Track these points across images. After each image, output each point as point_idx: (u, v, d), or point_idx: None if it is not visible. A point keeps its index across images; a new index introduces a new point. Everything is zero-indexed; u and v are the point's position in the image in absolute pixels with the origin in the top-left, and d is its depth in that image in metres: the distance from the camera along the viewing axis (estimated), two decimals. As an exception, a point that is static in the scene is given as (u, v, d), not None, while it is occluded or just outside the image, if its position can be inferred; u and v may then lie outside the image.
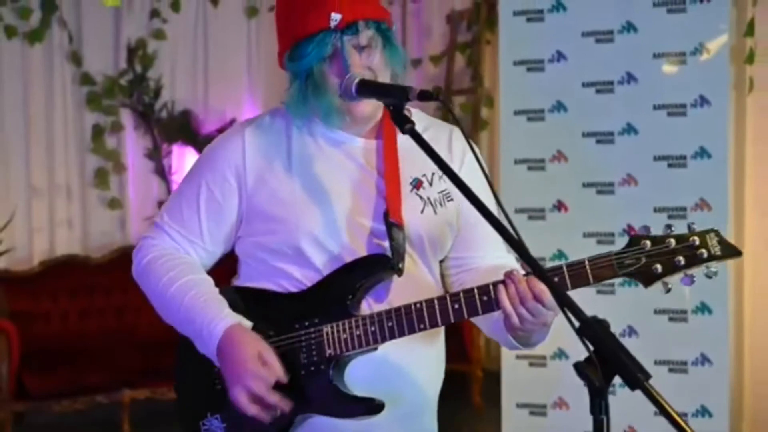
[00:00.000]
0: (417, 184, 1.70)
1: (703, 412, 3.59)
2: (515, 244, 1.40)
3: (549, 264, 3.71)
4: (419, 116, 1.75)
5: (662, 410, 1.17)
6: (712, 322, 3.58)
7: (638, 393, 3.64)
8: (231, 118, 5.81)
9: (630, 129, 3.65)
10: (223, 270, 1.83)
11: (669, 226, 1.55)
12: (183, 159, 5.76)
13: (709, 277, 1.55)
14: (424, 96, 1.50)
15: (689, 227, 1.55)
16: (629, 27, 3.64)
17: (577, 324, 1.28)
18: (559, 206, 3.74)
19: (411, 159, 1.67)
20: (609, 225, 3.64)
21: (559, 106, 3.73)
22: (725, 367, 3.60)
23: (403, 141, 1.67)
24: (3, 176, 5.37)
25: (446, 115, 1.87)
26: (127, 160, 5.69)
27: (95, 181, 5.59)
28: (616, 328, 3.78)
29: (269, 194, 1.68)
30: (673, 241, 1.53)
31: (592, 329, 1.25)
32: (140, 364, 4.75)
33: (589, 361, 1.24)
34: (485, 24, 5.72)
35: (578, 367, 1.25)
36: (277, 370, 1.59)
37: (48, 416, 4.78)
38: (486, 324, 1.70)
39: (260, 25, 5.90)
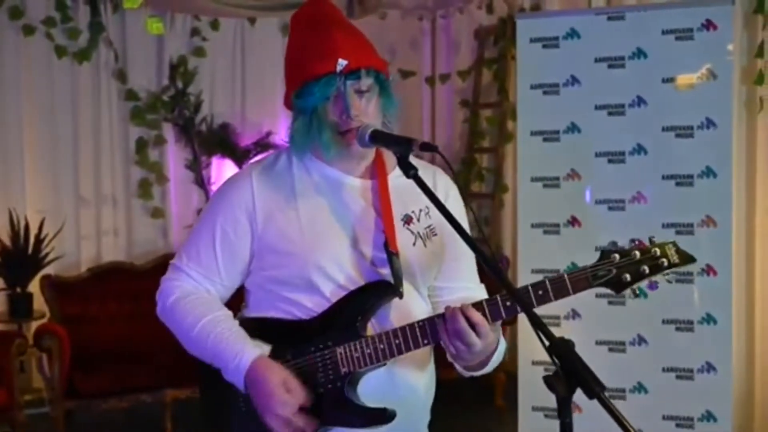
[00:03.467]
0: (407, 220, 1.90)
1: (709, 416, 3.77)
2: (496, 272, 1.62)
3: (563, 276, 3.92)
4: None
5: (614, 417, 1.40)
6: (716, 331, 3.75)
7: (649, 399, 3.87)
8: (267, 130, 6.03)
9: (640, 149, 3.83)
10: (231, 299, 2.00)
11: (633, 240, 1.79)
12: (221, 170, 5.98)
13: (669, 282, 1.78)
14: (425, 147, 1.73)
15: (650, 240, 1.78)
16: (639, 53, 3.82)
17: (547, 343, 1.51)
18: (573, 221, 3.94)
19: (400, 197, 1.89)
20: (619, 240, 3.79)
21: (573, 128, 3.92)
22: (729, 374, 3.77)
23: (393, 181, 1.90)
24: (54, 187, 5.62)
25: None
26: (169, 172, 5.91)
27: (139, 192, 5.83)
28: (626, 337, 4.00)
29: (278, 231, 1.85)
30: (637, 253, 1.76)
31: (559, 348, 1.48)
32: (181, 365, 4.90)
33: (556, 374, 1.47)
34: (511, 40, 5.90)
35: (547, 379, 1.48)
36: (300, 396, 1.79)
37: (96, 414, 4.98)
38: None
39: (295, 42, 6.12)
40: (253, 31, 6.13)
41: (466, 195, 1.48)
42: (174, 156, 5.97)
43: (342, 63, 1.78)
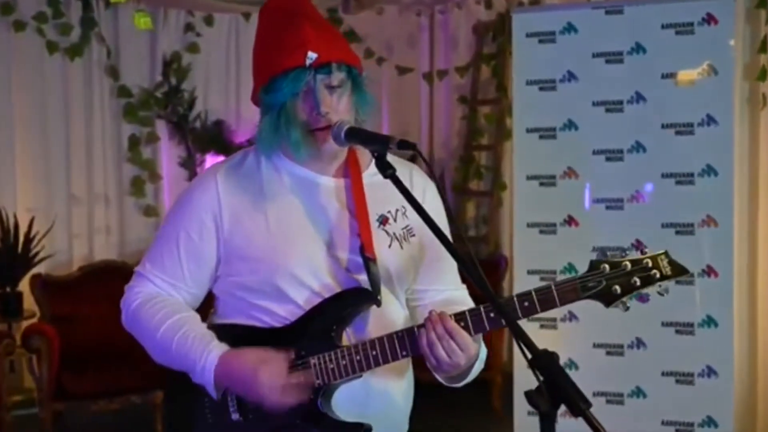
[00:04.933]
0: (383, 221, 1.79)
1: (709, 422, 3.68)
2: (478, 281, 1.51)
3: (560, 277, 3.83)
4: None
5: (600, 436, 1.31)
6: (717, 335, 3.67)
7: (647, 402, 3.78)
8: (262, 127, 5.97)
9: (639, 147, 3.75)
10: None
11: (624, 250, 1.69)
12: (216, 168, 5.93)
13: (661, 294, 1.68)
14: (402, 145, 1.62)
15: (642, 251, 1.69)
16: (638, 48, 3.74)
17: (529, 356, 1.41)
18: (570, 221, 3.85)
19: (376, 197, 1.78)
20: (618, 240, 3.71)
21: (570, 125, 3.84)
22: (730, 378, 3.69)
23: (368, 179, 1.80)
24: (45, 185, 5.54)
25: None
26: (162, 169, 5.84)
27: (132, 190, 5.75)
28: (624, 340, 3.92)
29: (246, 235, 1.75)
30: (628, 264, 1.66)
31: (542, 361, 1.39)
32: (172, 367, 4.86)
33: (539, 390, 1.38)
34: (509, 36, 5.80)
35: (529, 395, 1.39)
36: (281, 357, 1.69)
37: (85, 415, 4.89)
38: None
39: (290, 38, 6.03)
40: (248, 26, 6.03)
41: (444, 193, 1.43)
42: (167, 153, 5.89)
43: (311, 56, 1.67)
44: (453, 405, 4.86)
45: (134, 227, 5.81)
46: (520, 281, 3.92)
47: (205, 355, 1.71)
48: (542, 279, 3.83)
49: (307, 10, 1.77)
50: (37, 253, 5.19)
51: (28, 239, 5.16)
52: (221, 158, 5.76)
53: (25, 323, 5.06)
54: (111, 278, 5.34)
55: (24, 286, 5.15)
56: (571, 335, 3.73)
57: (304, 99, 1.71)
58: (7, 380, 4.55)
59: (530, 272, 3.86)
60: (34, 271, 5.18)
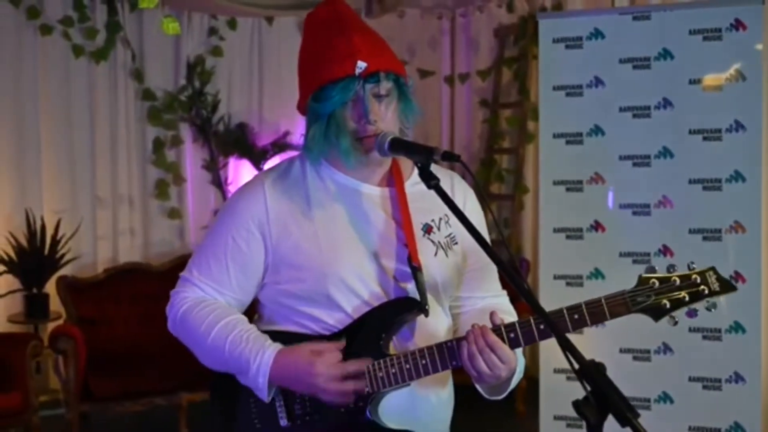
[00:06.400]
0: (427, 230, 1.82)
1: (737, 428, 3.66)
2: (521, 288, 1.52)
3: (587, 282, 3.83)
4: None
5: (649, 447, 1.32)
6: (745, 340, 3.64)
7: (674, 409, 3.77)
8: (285, 130, 5.99)
9: (666, 152, 3.73)
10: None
11: (672, 266, 1.71)
12: (238, 171, 5.97)
13: (709, 310, 1.72)
14: (447, 156, 1.64)
15: (689, 266, 1.72)
16: (666, 54, 3.72)
17: (577, 366, 1.43)
18: (597, 226, 3.84)
19: (418, 206, 1.81)
20: (645, 245, 3.72)
21: (597, 130, 3.83)
22: (758, 384, 3.66)
23: (410, 188, 1.82)
24: (70, 187, 5.59)
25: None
26: (186, 172, 5.88)
27: (156, 192, 5.80)
28: (651, 346, 3.89)
29: (294, 243, 1.76)
30: (677, 279, 1.70)
31: (590, 372, 1.40)
32: (197, 369, 4.86)
33: (587, 400, 1.39)
34: (531, 39, 5.81)
35: (576, 404, 1.40)
36: (334, 347, 1.71)
37: (111, 417, 4.93)
38: None
39: (313, 41, 6.05)
40: (271, 30, 6.08)
41: (486, 200, 1.44)
42: (191, 156, 5.94)
43: (361, 65, 1.70)
44: (477, 408, 4.86)
45: (158, 229, 5.86)
46: (546, 286, 3.92)
47: (260, 354, 1.72)
48: (568, 284, 3.83)
49: (354, 19, 1.80)
50: (63, 255, 5.25)
51: (55, 241, 5.21)
52: (244, 161, 5.89)
53: (51, 325, 5.11)
54: (135, 280, 5.40)
55: (50, 287, 5.21)
56: (597, 340, 3.72)
57: (352, 108, 1.73)
58: (33, 381, 4.59)
59: (556, 277, 3.86)
60: (60, 272, 5.23)
